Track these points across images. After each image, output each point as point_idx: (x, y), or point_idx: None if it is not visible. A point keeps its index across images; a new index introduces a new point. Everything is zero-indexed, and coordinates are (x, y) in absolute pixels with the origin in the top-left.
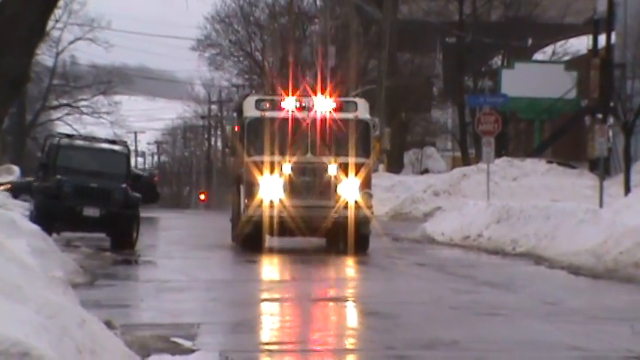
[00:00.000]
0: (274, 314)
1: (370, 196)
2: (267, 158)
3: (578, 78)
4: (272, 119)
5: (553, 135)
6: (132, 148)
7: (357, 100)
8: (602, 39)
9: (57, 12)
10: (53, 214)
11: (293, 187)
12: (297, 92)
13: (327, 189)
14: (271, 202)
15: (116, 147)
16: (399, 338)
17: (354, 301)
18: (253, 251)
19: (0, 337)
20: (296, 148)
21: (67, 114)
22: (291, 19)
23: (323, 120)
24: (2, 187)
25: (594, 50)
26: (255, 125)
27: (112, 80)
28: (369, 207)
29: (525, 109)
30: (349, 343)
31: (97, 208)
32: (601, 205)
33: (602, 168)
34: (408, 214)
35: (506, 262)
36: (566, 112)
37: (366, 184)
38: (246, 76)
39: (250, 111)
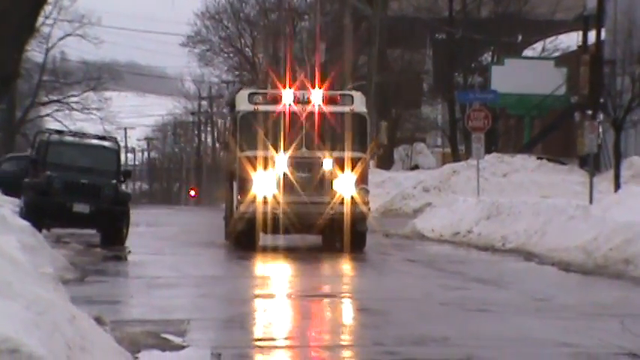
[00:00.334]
0: (264, 310)
1: (367, 192)
2: (260, 153)
3: (568, 74)
4: (265, 113)
5: (543, 131)
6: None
7: (353, 93)
8: (592, 35)
9: (47, 8)
10: (43, 210)
11: (287, 183)
12: (292, 85)
13: (323, 185)
14: (265, 198)
15: (106, 143)
16: (389, 334)
17: (344, 298)
18: (246, 249)
19: None
20: (290, 143)
21: (57, 110)
22: (281, 15)
23: (318, 114)
24: None
25: (584, 46)
26: (248, 119)
27: (101, 76)
28: (366, 203)
29: (515, 105)
30: (339, 339)
31: (87, 204)
32: (591, 201)
33: (592, 164)
34: (398, 211)
35: (496, 258)
36: (556, 108)
37: (363, 180)
38: (237, 73)
39: (243, 105)
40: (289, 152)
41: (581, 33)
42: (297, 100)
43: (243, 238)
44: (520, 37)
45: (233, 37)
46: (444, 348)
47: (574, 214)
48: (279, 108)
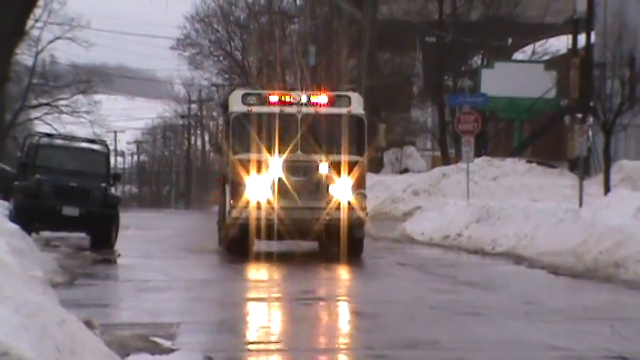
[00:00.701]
0: (254, 314)
1: (364, 196)
2: (254, 156)
3: (557, 78)
4: (259, 114)
5: (533, 135)
6: (111, 147)
7: (350, 94)
8: (582, 38)
9: (36, 11)
10: (33, 214)
11: (282, 188)
12: (285, 87)
13: (318, 189)
14: (258, 203)
15: (96, 146)
16: (379, 338)
17: (335, 301)
18: (240, 256)
19: None
20: (285, 146)
21: (47, 113)
22: (271, 18)
23: (314, 115)
24: None
25: (574, 50)
26: (242, 121)
27: (91, 79)
28: (363, 208)
29: (505, 108)
30: (330, 342)
31: (76, 207)
32: (581, 204)
33: (581, 168)
34: (387, 214)
35: (486, 261)
36: (546, 111)
37: (360, 184)
38: (227, 76)
39: (236, 106)
40: (284, 155)
41: (571, 36)
42: (292, 102)
43: (236, 245)
44: (510, 41)
45: (223, 41)
46: (434, 351)
47: (564, 218)
48: (273, 109)
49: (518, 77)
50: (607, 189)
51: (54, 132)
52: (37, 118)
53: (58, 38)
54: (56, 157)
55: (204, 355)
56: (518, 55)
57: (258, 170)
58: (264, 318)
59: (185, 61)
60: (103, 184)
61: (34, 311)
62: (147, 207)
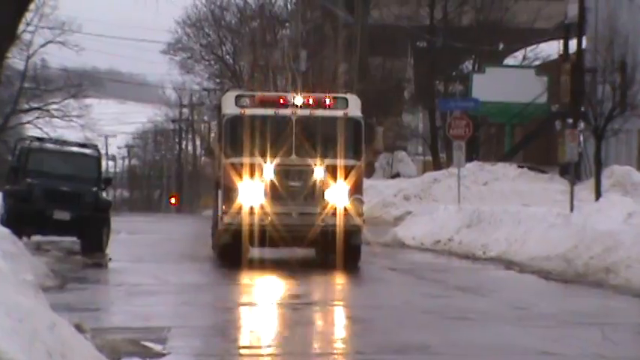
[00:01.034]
0: (245, 318)
1: (361, 202)
2: (247, 160)
3: (549, 83)
4: (252, 117)
5: (524, 139)
6: (102, 151)
7: (347, 96)
8: (573, 44)
9: (28, 15)
10: (23, 218)
11: (275, 192)
12: (278, 90)
13: (313, 194)
14: (251, 208)
15: (87, 150)
16: (370, 342)
17: (326, 306)
18: (232, 263)
19: None
20: (279, 149)
21: (38, 117)
22: (262, 23)
23: (309, 118)
24: None
25: (565, 55)
26: (234, 123)
27: (82, 83)
28: (360, 215)
29: (496, 113)
30: (321, 347)
31: (67, 211)
32: (571, 209)
33: (572, 173)
34: (378, 219)
35: (477, 266)
36: (537, 116)
37: (357, 189)
38: (218, 80)
39: (229, 108)
40: (278, 159)
41: (562, 41)
42: (287, 104)
43: (229, 252)
44: (501, 46)
45: (214, 45)
46: (425, 356)
47: (554, 223)
48: (267, 111)
49: (509, 82)
50: (598, 194)
51: (45, 136)
52: (28, 122)
53: (50, 42)
54: (47, 162)
55: (196, 359)
56: (509, 60)
57: (252, 175)
58: (255, 322)
59: (176, 65)
60: (94, 189)
61: (25, 315)
62: (138, 211)
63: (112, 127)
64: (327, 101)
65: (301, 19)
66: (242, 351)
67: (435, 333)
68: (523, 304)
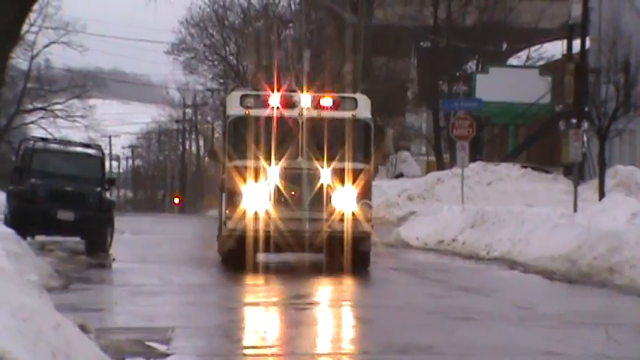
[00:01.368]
0: (250, 318)
1: (370, 207)
2: (251, 163)
3: (552, 83)
4: (258, 118)
5: (527, 140)
6: (106, 151)
7: (357, 96)
8: (576, 44)
9: (32, 16)
10: (27, 218)
11: (281, 197)
12: (287, 88)
13: (320, 199)
14: (256, 213)
15: (91, 151)
16: (373, 343)
17: (330, 306)
18: (237, 268)
19: None
20: (285, 152)
21: (42, 118)
22: (266, 23)
23: (317, 119)
24: None
25: (569, 55)
26: (239, 125)
27: (86, 84)
28: (369, 220)
29: (500, 113)
30: (325, 347)
31: (71, 211)
32: (575, 210)
33: (576, 173)
34: (382, 219)
35: (481, 266)
36: (541, 116)
37: (365, 194)
38: (221, 80)
39: (234, 108)
40: (284, 162)
41: (565, 42)
42: (294, 104)
43: (233, 258)
44: (505, 46)
45: (218, 45)
46: (429, 356)
47: (558, 223)
48: (273, 112)
49: (512, 82)
50: (601, 194)
51: (49, 136)
52: (32, 123)
53: (53, 43)
54: (51, 162)
55: (200, 359)
56: (512, 61)
57: (256, 178)
58: (259, 323)
59: (180, 65)
60: (98, 189)
61: (29, 315)
62: (142, 211)
63: (115, 128)
64: (336, 102)
65: (305, 19)
66: (246, 351)
67: (439, 333)
68: (527, 304)
